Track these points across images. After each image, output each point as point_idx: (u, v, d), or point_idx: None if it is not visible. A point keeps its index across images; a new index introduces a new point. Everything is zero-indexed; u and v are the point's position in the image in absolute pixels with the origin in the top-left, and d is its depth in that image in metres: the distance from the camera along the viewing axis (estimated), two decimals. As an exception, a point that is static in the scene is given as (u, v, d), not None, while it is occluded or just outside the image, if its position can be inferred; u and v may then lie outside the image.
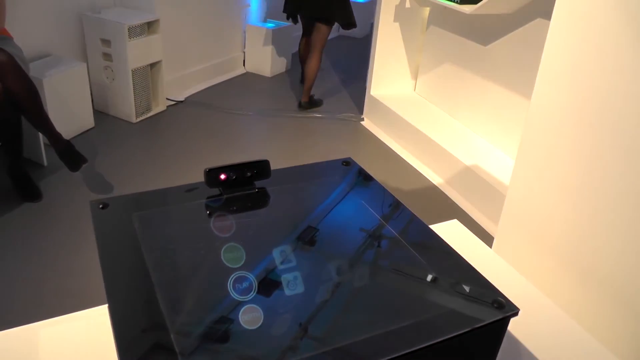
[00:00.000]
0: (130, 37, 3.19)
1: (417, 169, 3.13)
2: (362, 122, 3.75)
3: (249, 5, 4.52)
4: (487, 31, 2.91)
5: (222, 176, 0.78)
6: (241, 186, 0.80)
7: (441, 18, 3.29)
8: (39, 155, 2.76)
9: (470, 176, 2.76)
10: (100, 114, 3.42)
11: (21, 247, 2.21)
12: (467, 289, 0.67)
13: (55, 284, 2.00)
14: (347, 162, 0.95)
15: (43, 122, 2.37)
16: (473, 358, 0.67)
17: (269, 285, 0.66)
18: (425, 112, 3.41)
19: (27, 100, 2.31)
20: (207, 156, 3.09)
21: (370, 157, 3.31)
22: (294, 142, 3.42)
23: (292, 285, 0.66)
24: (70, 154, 2.44)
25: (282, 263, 0.69)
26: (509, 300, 0.65)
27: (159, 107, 3.63)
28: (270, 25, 4.51)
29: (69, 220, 2.37)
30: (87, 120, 3.22)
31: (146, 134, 3.36)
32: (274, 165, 0.86)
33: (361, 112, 3.83)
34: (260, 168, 0.81)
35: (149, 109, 3.53)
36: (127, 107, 3.38)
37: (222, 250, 0.69)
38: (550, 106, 1.62)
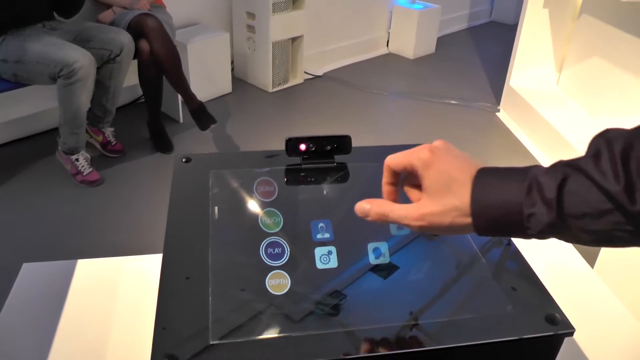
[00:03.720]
0: (274, 11, 3.35)
1: (548, 169, 2.93)
2: (497, 114, 3.57)
3: (398, -15, 4.48)
4: (645, 24, 2.61)
5: (302, 146, 0.78)
6: (321, 158, 0.80)
7: (595, 6, 2.99)
8: (176, 112, 3.05)
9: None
10: (238, 81, 3.66)
11: (144, 191, 2.48)
12: (522, 296, 0.65)
13: (163, 225, 2.21)
14: None
15: (180, 83, 2.62)
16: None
17: (307, 258, 0.67)
18: (566, 110, 3.15)
19: (168, 63, 2.56)
20: (334, 130, 3.12)
21: (499, 151, 3.15)
22: (424, 126, 3.37)
23: (330, 261, 0.67)
24: (201, 114, 2.66)
25: (320, 236, 0.69)
26: (565, 318, 0.61)
27: (297, 79, 3.77)
28: (418, 6, 4.44)
29: (192, 174, 2.60)
30: (226, 86, 3.47)
31: (279, 103, 3.53)
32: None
33: (498, 102, 3.65)
34: (341, 143, 0.81)
35: (285, 81, 3.70)
36: (264, 77, 3.57)
37: (264, 215, 0.71)
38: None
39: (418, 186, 0.55)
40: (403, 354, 0.58)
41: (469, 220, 0.49)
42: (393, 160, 0.55)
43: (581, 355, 0.76)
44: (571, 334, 0.60)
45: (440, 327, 0.60)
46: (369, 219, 0.55)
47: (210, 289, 0.61)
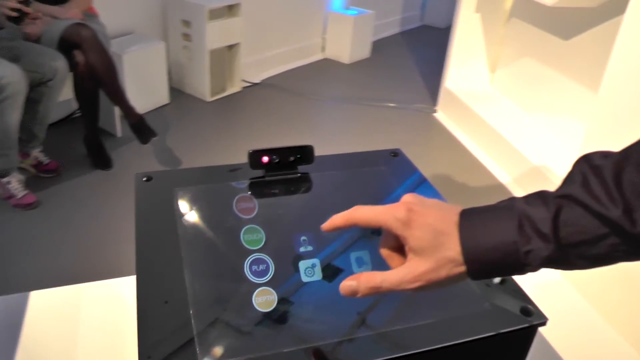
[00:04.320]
0: (210, 19, 3.29)
1: (487, 165, 3.03)
2: (434, 114, 3.67)
3: (331, -9, 4.53)
4: (569, 26, 2.75)
5: (265, 158, 0.78)
6: (284, 170, 0.80)
7: (523, 10, 3.14)
8: (113, 126, 2.94)
9: (540, 178, 2.63)
10: (176, 91, 3.58)
11: (86, 211, 2.36)
12: (496, 293, 0.66)
13: (112, 248, 2.12)
14: (396, 154, 0.92)
15: (118, 96, 2.52)
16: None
17: (291, 272, 0.66)
18: (500, 108, 3.28)
19: (105, 75, 2.46)
20: (277, 138, 3.13)
21: (440, 150, 3.23)
22: (365, 130, 3.40)
23: (314, 273, 0.66)
24: (141, 127, 2.57)
25: (303, 250, 0.69)
26: (538, 309, 0.63)
27: (234, 87, 3.73)
28: (352, 12, 4.50)
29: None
30: (163, 96, 3.38)
31: (219, 113, 3.47)
32: (339, 152, 0.86)
33: (435, 103, 3.75)
34: (304, 153, 0.81)
35: (223, 89, 3.64)
36: (202, 86, 3.50)
37: (244, 230, 0.70)
38: (617, 104, 1.51)
39: (397, 248, 0.53)
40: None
41: (464, 268, 0.48)
42: (362, 217, 0.52)
43: (546, 345, 0.80)
44: (544, 323, 0.63)
45: (427, 330, 0.61)
46: (358, 295, 0.51)
47: (191, 312, 0.59)
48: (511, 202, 0.49)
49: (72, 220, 2.29)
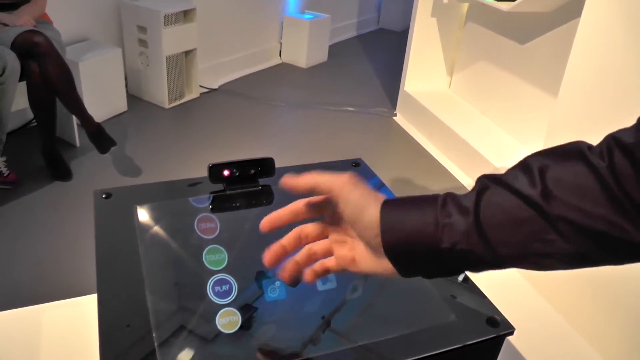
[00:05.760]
0: (165, 24, 3.23)
1: (447, 168, 3.08)
2: (394, 118, 3.71)
3: (287, -4, 4.53)
4: (524, 30, 2.83)
5: (226, 172, 0.77)
6: (245, 183, 0.79)
7: (479, 15, 3.22)
8: (71, 136, 2.84)
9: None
10: (133, 99, 3.49)
11: (46, 225, 2.27)
12: (462, 304, 0.66)
13: (74, 264, 2.04)
14: (357, 164, 0.93)
15: (75, 105, 2.44)
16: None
17: (251, 294, 0.65)
18: (458, 110, 3.35)
19: (61, 83, 2.37)
20: (236, 145, 3.10)
21: (400, 154, 3.27)
22: (325, 135, 3.40)
23: (277, 291, 0.65)
24: (100, 136, 2.50)
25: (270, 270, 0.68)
26: (505, 319, 0.63)
27: (192, 94, 3.67)
28: (308, 16, 4.51)
29: (96, 201, 2.42)
30: (121, 104, 3.29)
31: (177, 120, 3.41)
32: (299, 158, 0.85)
33: (394, 107, 3.79)
34: (265, 165, 0.80)
35: (181, 96, 3.58)
36: (160, 93, 3.43)
37: (206, 251, 0.69)
38: (574, 106, 1.57)
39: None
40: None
41: (379, 239, 0.47)
42: (319, 181, 0.52)
43: (515, 352, 0.81)
44: (511, 333, 0.63)
45: (394, 344, 0.60)
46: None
47: (154, 335, 0.57)
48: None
49: (30, 235, 2.19)
